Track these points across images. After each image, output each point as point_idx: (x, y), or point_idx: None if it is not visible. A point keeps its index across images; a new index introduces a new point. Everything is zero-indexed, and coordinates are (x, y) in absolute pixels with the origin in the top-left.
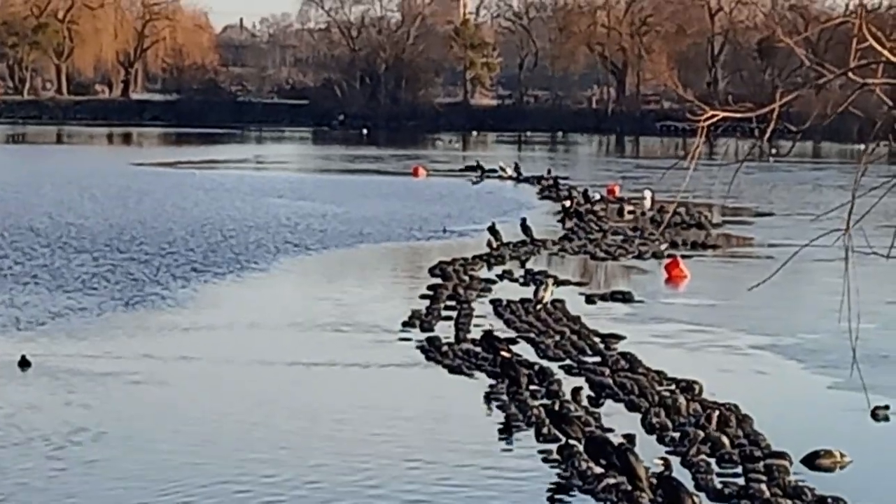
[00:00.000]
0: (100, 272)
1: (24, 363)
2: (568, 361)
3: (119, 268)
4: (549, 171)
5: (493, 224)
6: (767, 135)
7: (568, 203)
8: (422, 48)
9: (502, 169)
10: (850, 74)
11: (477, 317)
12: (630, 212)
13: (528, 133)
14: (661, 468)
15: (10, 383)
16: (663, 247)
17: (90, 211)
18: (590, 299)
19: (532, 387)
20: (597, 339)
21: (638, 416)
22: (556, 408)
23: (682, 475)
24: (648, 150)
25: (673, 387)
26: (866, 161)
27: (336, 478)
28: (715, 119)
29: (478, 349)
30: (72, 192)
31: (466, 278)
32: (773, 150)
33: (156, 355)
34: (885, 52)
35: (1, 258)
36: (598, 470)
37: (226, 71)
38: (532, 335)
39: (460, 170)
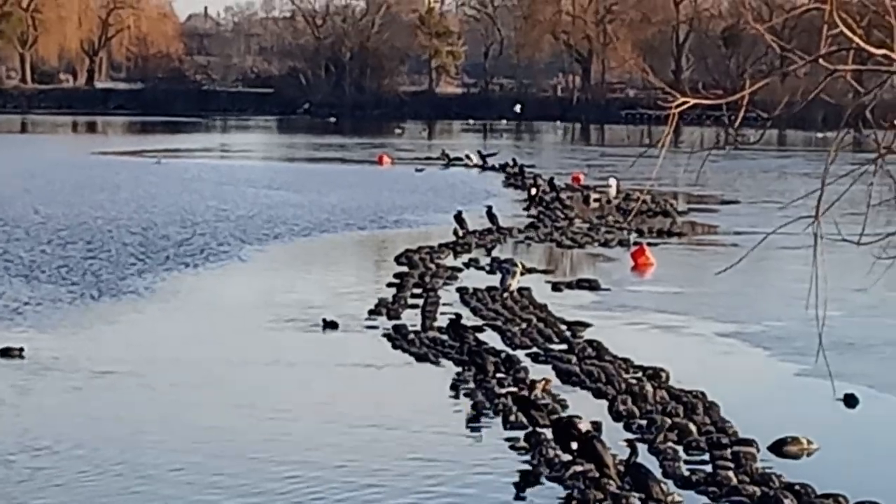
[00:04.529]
0: (67, 263)
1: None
2: (534, 349)
3: (85, 259)
4: (514, 160)
5: (460, 212)
6: (738, 122)
7: (534, 191)
8: (386, 37)
9: (468, 157)
10: (821, 61)
11: (443, 305)
12: (595, 200)
13: (494, 121)
14: (628, 451)
15: None
16: (632, 236)
17: (55, 201)
18: (556, 287)
19: (499, 374)
20: (563, 327)
21: (605, 403)
22: (524, 395)
23: (650, 462)
24: (613, 139)
25: (640, 374)
26: (836, 148)
27: (298, 467)
28: (686, 106)
29: (444, 337)
30: (37, 182)
31: (433, 266)
32: (742, 138)
33: (121, 349)
34: (856, 39)
35: None
36: (566, 457)
37: (190, 60)
38: (499, 323)
39: (436, 158)
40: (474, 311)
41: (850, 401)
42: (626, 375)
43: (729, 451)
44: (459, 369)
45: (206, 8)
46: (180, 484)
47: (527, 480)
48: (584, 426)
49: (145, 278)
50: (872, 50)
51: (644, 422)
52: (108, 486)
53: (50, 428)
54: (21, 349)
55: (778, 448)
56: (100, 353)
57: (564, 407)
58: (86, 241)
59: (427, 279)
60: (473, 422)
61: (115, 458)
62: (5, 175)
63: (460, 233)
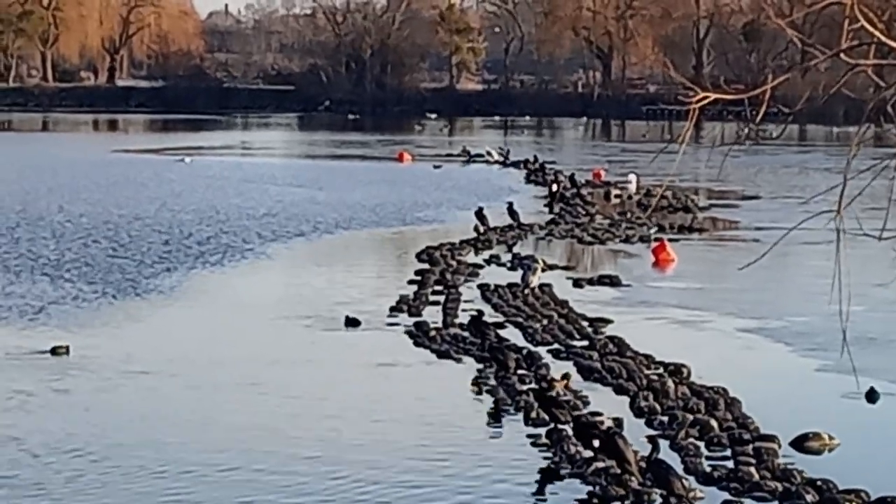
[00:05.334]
0: (93, 262)
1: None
2: (556, 346)
3: (111, 257)
4: (535, 157)
5: (481, 209)
6: (759, 117)
7: (555, 187)
8: (407, 33)
9: (489, 154)
10: (842, 55)
11: (465, 301)
12: (616, 196)
13: (515, 118)
14: (650, 448)
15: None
16: (652, 231)
17: (79, 199)
18: (577, 283)
19: (520, 371)
20: (585, 323)
21: (626, 399)
22: (545, 391)
23: (672, 458)
24: (634, 134)
25: (661, 370)
26: (858, 143)
27: (323, 464)
28: (707, 101)
29: (466, 334)
30: (59, 180)
31: (454, 263)
32: (763, 133)
33: (156, 348)
34: (877, 33)
35: None
36: (588, 453)
37: (211, 57)
38: (520, 319)
39: (457, 155)
40: (495, 308)
41: (872, 396)
42: (647, 371)
43: (750, 446)
44: (481, 366)
45: (226, 5)
46: (219, 482)
47: (548, 477)
48: (605, 422)
49: (172, 276)
50: (893, 44)
51: (665, 418)
52: (150, 486)
53: (93, 427)
54: (67, 347)
55: (799, 444)
56: (133, 352)
57: (586, 403)
58: (111, 239)
59: (448, 276)
60: (495, 418)
61: (155, 457)
62: (28, 173)
63: (481, 229)
